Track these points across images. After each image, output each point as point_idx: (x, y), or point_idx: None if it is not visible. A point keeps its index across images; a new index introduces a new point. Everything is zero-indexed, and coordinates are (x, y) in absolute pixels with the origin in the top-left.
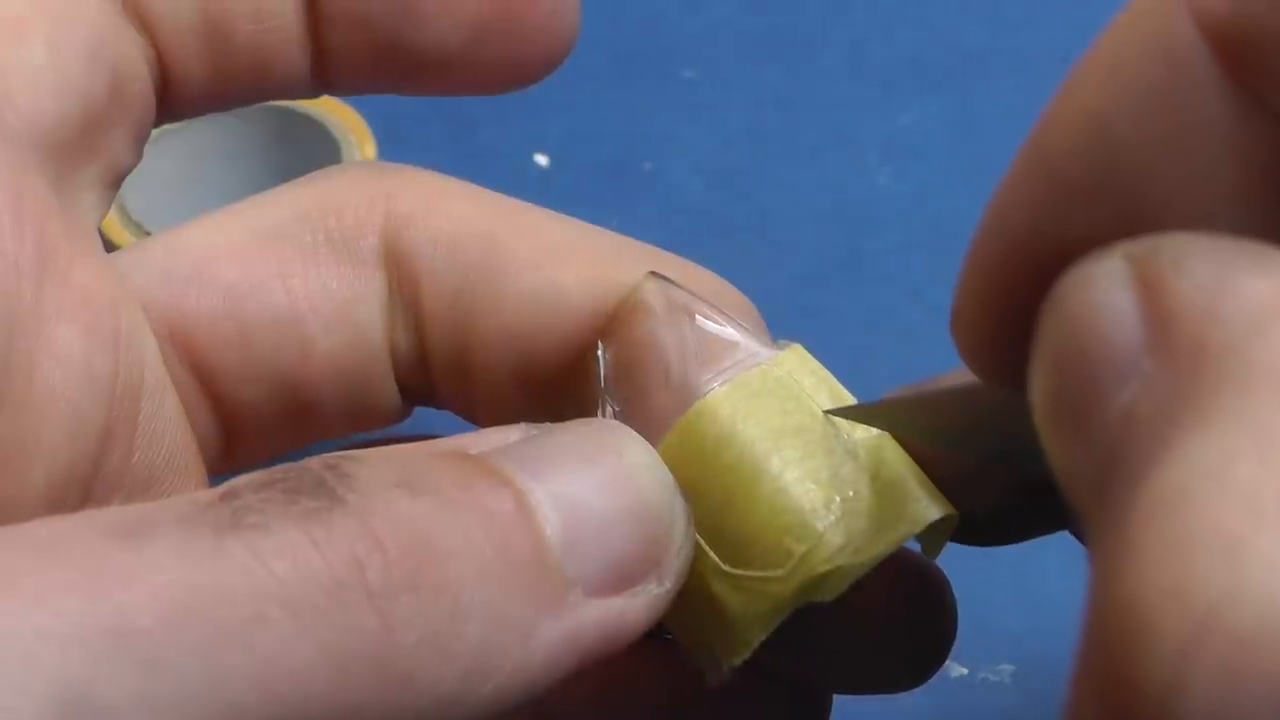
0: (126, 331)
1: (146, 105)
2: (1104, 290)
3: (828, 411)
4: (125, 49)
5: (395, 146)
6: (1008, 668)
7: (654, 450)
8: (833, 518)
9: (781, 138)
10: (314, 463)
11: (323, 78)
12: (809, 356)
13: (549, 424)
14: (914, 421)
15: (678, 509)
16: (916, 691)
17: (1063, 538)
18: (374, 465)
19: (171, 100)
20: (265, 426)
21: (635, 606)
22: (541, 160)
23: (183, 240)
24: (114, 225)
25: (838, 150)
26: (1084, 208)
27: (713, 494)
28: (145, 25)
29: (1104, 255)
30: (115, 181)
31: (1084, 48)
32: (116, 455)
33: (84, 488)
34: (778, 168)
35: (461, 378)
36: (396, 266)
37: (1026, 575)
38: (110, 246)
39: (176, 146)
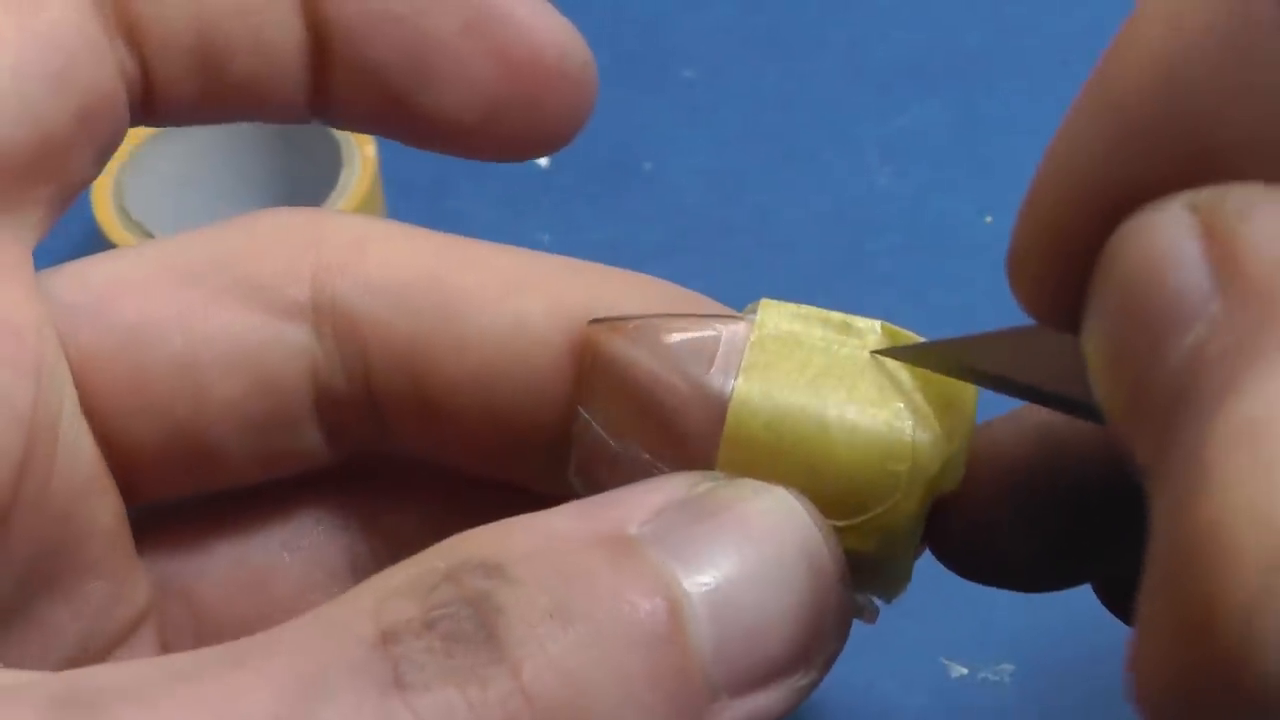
0: (50, 359)
1: (117, 124)
2: (1169, 238)
3: (875, 352)
4: (101, 70)
5: (395, 146)
6: (1008, 668)
7: (820, 525)
8: (910, 422)
9: (781, 138)
10: (470, 587)
11: (320, 113)
12: (777, 303)
13: (713, 479)
14: (964, 362)
15: (834, 598)
16: (916, 691)
17: None
18: (528, 590)
19: (154, 112)
20: (164, 469)
21: (778, 699)
22: (541, 160)
23: (91, 271)
24: (114, 225)
25: (838, 150)
26: (1151, 151)
27: (795, 473)
28: (134, 41)
29: (1165, 204)
30: (70, 199)
31: (1084, 48)
32: (35, 482)
33: (2, 517)
34: (778, 168)
35: (426, 422)
36: (332, 316)
37: None
38: (111, 246)
39: (176, 146)
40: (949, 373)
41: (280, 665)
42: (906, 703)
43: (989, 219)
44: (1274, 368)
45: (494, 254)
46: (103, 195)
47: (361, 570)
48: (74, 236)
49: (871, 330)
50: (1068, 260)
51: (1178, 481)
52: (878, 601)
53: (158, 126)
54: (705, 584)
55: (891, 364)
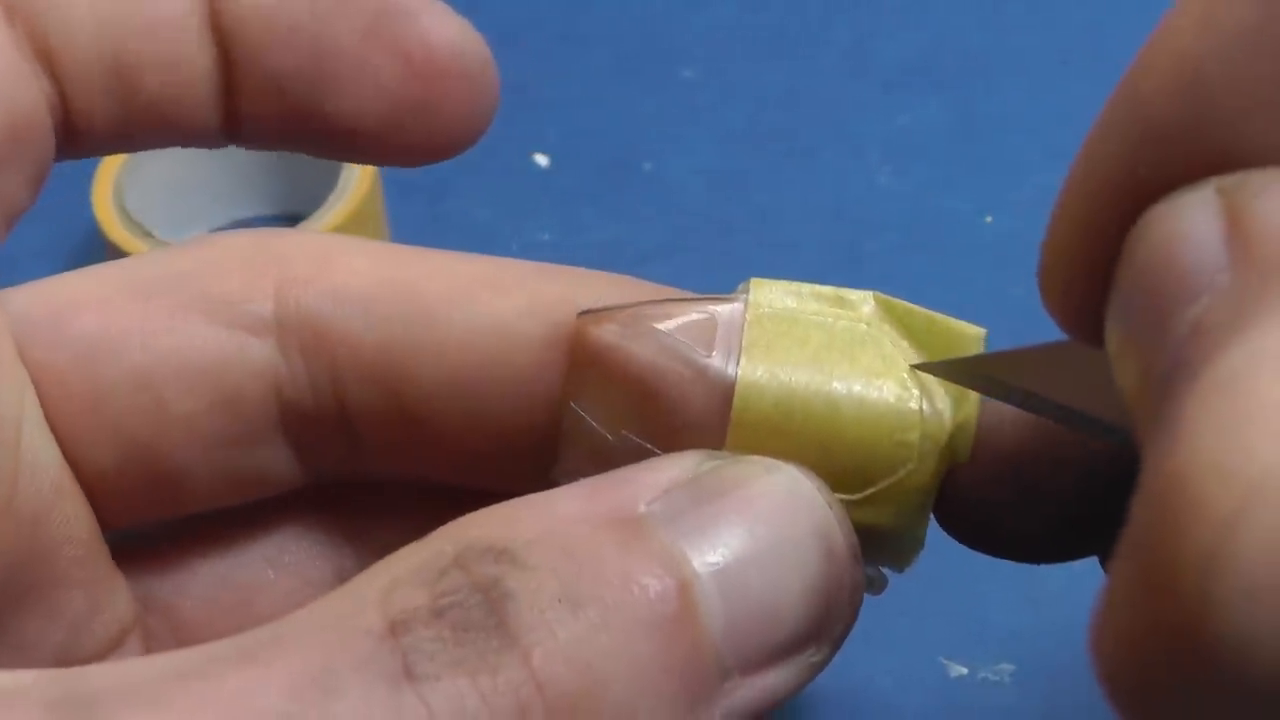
0: (6, 365)
1: (45, 147)
2: (1190, 216)
3: (914, 366)
4: (24, 91)
5: None
6: (1008, 668)
7: (831, 503)
8: (916, 391)
9: (781, 138)
10: (479, 573)
11: (233, 132)
12: (768, 281)
13: (719, 458)
14: (995, 377)
15: (845, 576)
16: (916, 691)
17: None
18: (537, 574)
19: (74, 140)
20: (129, 492)
21: (789, 676)
22: (541, 160)
23: (50, 288)
24: (114, 225)
25: (838, 150)
26: (1176, 152)
27: (806, 450)
28: (50, 67)
29: (1196, 187)
30: (8, 222)
31: (1084, 48)
32: (2, 488)
33: None
34: (778, 168)
35: (403, 433)
36: (298, 330)
37: (1026, 575)
38: (111, 246)
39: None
40: (981, 389)
41: (288, 661)
42: (906, 702)
43: (989, 219)
44: (1264, 324)
45: (463, 261)
46: (103, 195)
47: None
48: (74, 236)
49: (865, 301)
50: (1095, 265)
51: (1161, 441)
52: (887, 572)
53: (79, 158)
54: (715, 564)
55: (891, 332)
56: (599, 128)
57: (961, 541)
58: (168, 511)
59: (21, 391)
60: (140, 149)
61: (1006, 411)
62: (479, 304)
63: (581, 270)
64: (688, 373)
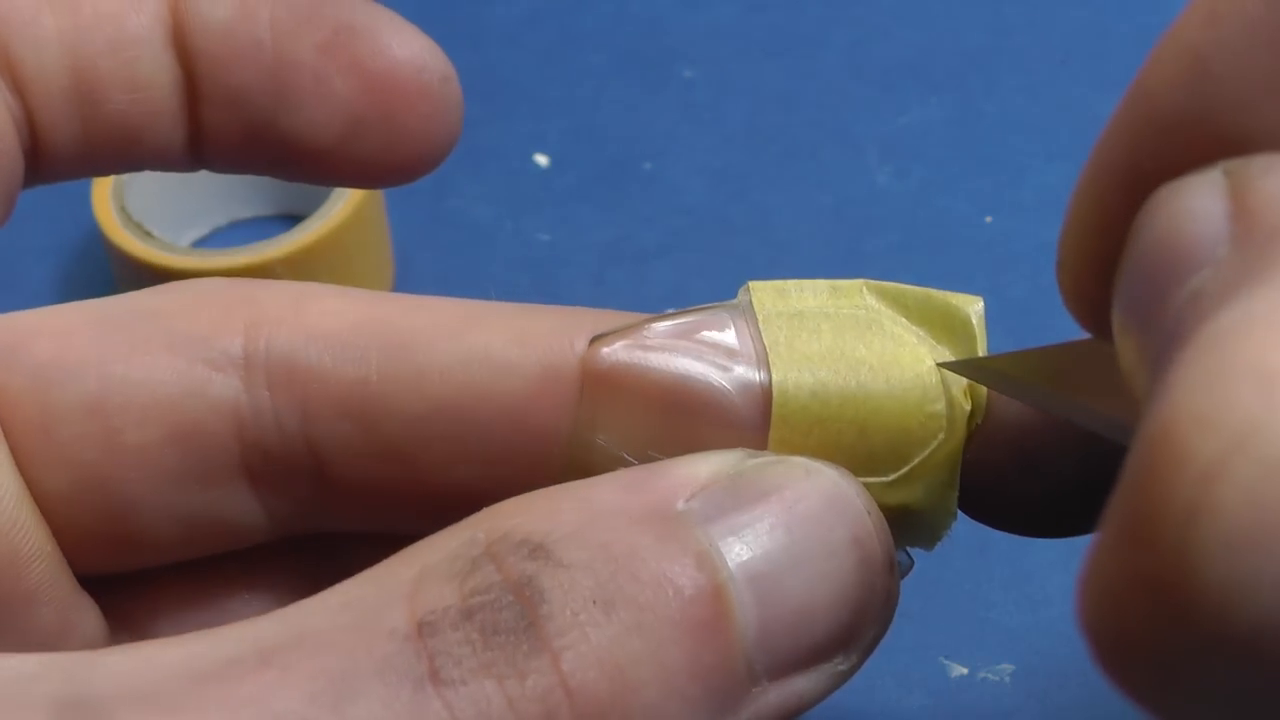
0: None
1: (15, 166)
2: (1196, 194)
3: (941, 365)
4: None
5: None
6: (1008, 668)
7: (870, 510)
8: (931, 363)
9: (781, 138)
10: (513, 569)
11: (198, 154)
12: (763, 283)
13: (760, 456)
14: (1016, 375)
15: (880, 583)
16: (916, 691)
17: (1062, 540)
18: (571, 574)
19: (42, 162)
20: (81, 523)
21: (817, 683)
22: (541, 160)
23: (14, 317)
24: (114, 225)
25: (838, 150)
26: (1182, 141)
27: (845, 436)
28: (16, 86)
29: (1204, 169)
30: None
31: (1084, 48)
32: None
33: None
34: (778, 168)
35: (379, 472)
36: (266, 367)
37: (1026, 575)
38: (111, 246)
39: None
40: (997, 389)
41: (309, 664)
42: (906, 702)
43: (989, 219)
44: (1257, 288)
45: (443, 301)
46: (103, 195)
47: None
48: (74, 237)
49: (857, 289)
50: (1106, 257)
51: (1152, 404)
52: (914, 554)
53: (46, 183)
54: (751, 567)
55: (890, 313)
56: (599, 128)
57: (964, 510)
58: (129, 559)
59: None
60: (106, 172)
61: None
62: (462, 337)
63: (566, 307)
64: (716, 380)
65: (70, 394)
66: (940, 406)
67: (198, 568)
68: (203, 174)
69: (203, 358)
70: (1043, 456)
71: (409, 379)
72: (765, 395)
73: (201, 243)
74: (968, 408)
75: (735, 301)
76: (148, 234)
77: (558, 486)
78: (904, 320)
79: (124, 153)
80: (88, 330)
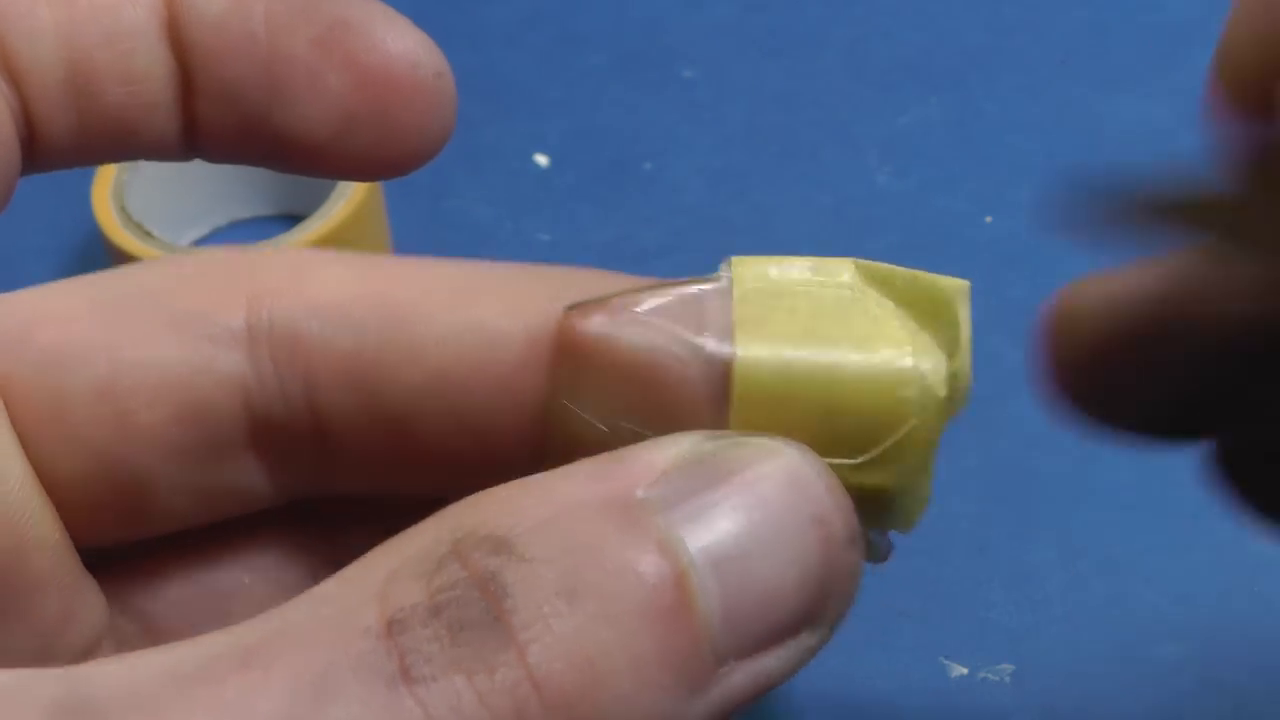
0: None
1: (12, 156)
2: None
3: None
4: None
5: None
6: (1008, 668)
7: (831, 486)
8: (909, 346)
9: (781, 138)
10: (477, 566)
11: (193, 146)
12: (748, 258)
13: (720, 438)
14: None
15: (843, 559)
16: (916, 691)
17: (1062, 540)
18: (534, 567)
19: (37, 152)
20: (95, 507)
21: (784, 660)
22: (541, 160)
23: (18, 300)
24: (114, 225)
25: (838, 150)
26: None
27: (809, 418)
28: (12, 77)
29: None
30: None
31: (1084, 48)
32: None
33: None
34: (778, 168)
35: (381, 442)
36: (270, 341)
37: (1026, 575)
38: (111, 246)
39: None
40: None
41: (288, 662)
42: (906, 702)
43: (989, 219)
44: None
45: (440, 265)
46: (102, 195)
47: None
48: (74, 237)
49: (845, 269)
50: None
51: None
52: (892, 536)
53: (41, 171)
54: (713, 551)
55: (875, 294)
56: (599, 128)
57: (1081, 414)
58: (138, 530)
59: None
60: (101, 162)
61: (1138, 281)
62: (457, 309)
63: (562, 268)
64: (682, 354)
65: (81, 379)
66: (910, 392)
67: (197, 543)
68: (203, 174)
69: (207, 334)
70: (1164, 358)
71: (405, 350)
72: (727, 374)
73: (201, 243)
74: (943, 394)
75: (716, 275)
76: (148, 234)
77: (523, 480)
78: (889, 302)
79: (119, 143)
80: (92, 314)
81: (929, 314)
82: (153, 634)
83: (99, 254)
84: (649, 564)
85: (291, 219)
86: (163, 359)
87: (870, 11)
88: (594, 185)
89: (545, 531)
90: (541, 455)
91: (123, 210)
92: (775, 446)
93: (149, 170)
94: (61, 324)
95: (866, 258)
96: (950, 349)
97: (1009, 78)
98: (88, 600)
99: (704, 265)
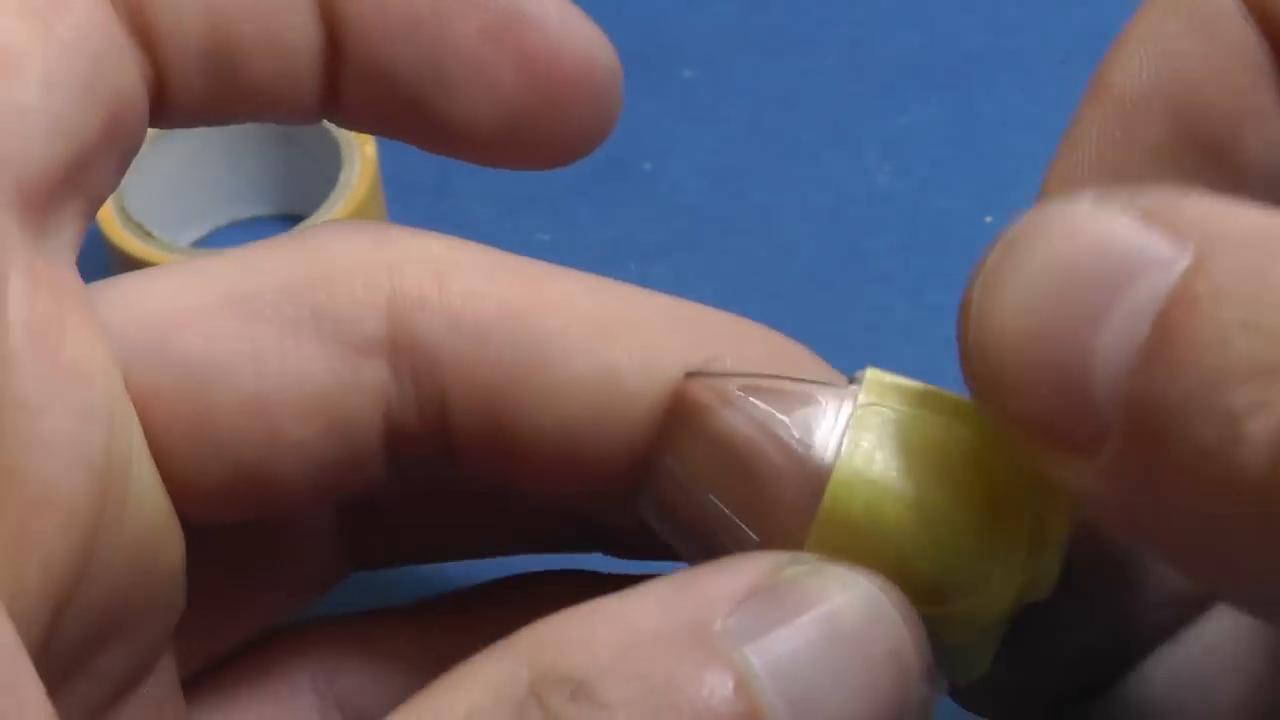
0: (118, 403)
1: (139, 129)
2: (1098, 217)
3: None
4: (125, 76)
5: (396, 146)
6: None
7: (910, 623)
8: (1007, 520)
9: (781, 138)
10: (558, 710)
11: (330, 114)
12: (882, 375)
13: (800, 562)
14: None
15: (917, 696)
16: None
17: None
18: (612, 714)
19: (164, 114)
20: (223, 501)
21: None
22: None
23: (148, 296)
24: (114, 225)
25: (838, 150)
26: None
27: (886, 558)
28: (148, 43)
29: (1068, 199)
30: (94, 211)
31: (1084, 48)
32: (109, 534)
33: (77, 575)
34: (778, 168)
35: (502, 461)
36: (411, 355)
37: None
38: (111, 246)
39: (176, 146)
40: None
41: None
42: None
43: (989, 219)
44: None
45: (582, 292)
46: None
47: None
48: None
49: (971, 410)
50: None
51: None
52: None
53: (164, 128)
54: (790, 688)
55: (991, 455)
56: None
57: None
58: (255, 516)
59: (130, 431)
60: (230, 123)
61: None
62: (593, 353)
63: (707, 312)
64: (783, 456)
65: (227, 394)
66: (992, 566)
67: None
68: (203, 174)
69: (352, 344)
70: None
71: (539, 394)
72: (822, 489)
73: (201, 243)
74: (1020, 579)
75: (849, 384)
76: (148, 234)
77: (595, 606)
78: (1003, 467)
79: (255, 109)
80: (232, 318)
81: (1040, 490)
82: None
83: (99, 254)
84: (725, 704)
85: (292, 219)
86: (310, 372)
87: (870, 11)
88: (594, 185)
89: (621, 670)
90: (637, 491)
91: (123, 210)
92: (854, 579)
93: (149, 170)
94: (201, 332)
95: (866, 257)
96: (1045, 534)
97: (1009, 78)
98: (167, 663)
99: (704, 265)
